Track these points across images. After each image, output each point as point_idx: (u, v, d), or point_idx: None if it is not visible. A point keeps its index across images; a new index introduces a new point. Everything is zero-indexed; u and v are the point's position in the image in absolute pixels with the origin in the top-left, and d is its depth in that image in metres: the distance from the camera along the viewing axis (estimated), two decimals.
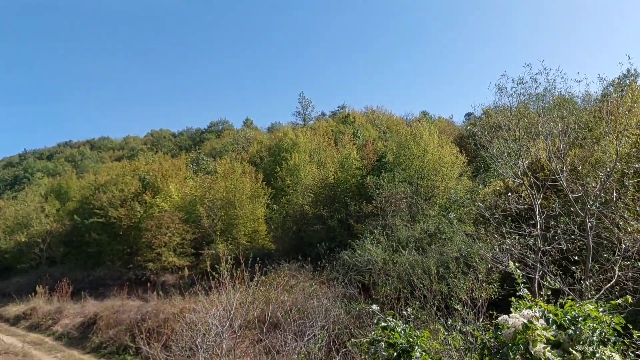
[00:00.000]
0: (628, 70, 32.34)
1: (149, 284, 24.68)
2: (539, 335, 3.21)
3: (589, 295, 8.04)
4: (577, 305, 3.51)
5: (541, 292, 8.08)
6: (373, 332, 3.69)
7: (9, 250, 38.78)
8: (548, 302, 3.87)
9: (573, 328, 3.32)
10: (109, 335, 20.19)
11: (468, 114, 68.17)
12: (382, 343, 3.57)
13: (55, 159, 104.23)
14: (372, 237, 19.17)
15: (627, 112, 11.02)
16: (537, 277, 8.95)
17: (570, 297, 7.55)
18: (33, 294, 27.19)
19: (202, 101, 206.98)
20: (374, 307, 3.83)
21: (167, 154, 52.36)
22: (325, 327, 9.04)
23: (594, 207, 9.50)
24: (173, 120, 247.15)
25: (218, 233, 27.66)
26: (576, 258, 9.45)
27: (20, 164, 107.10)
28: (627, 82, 21.22)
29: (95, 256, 32.84)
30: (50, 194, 47.10)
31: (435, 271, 9.02)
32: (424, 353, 3.52)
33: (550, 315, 3.49)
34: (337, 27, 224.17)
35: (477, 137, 13.71)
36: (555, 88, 11.64)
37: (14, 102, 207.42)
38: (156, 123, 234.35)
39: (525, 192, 11.92)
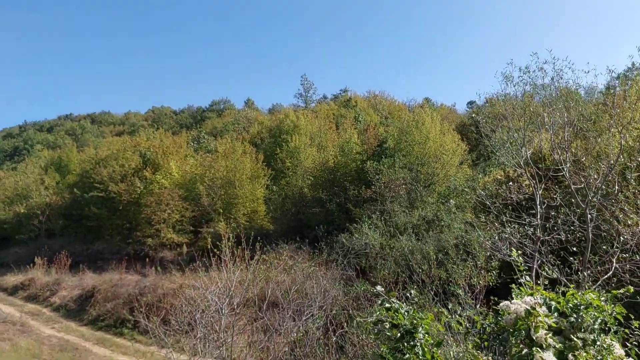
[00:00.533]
0: (633, 64, 32.17)
1: (147, 260, 24.86)
2: (541, 322, 3.28)
3: (586, 287, 8.13)
4: (579, 293, 3.57)
5: (539, 281, 8.17)
6: (377, 313, 3.76)
7: (8, 221, 38.87)
8: (545, 291, 3.93)
9: (575, 316, 3.39)
10: (107, 309, 20.39)
11: (470, 102, 67.91)
12: (387, 323, 3.63)
13: (56, 131, 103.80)
14: (370, 222, 19.28)
15: (632, 106, 11.00)
16: (535, 266, 9.03)
17: (569, 287, 7.66)
18: (31, 265, 27.32)
19: (203, 80, 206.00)
20: (379, 288, 3.89)
21: (168, 131, 52.28)
22: (324, 308, 9.17)
23: (595, 199, 9.54)
24: (174, 98, 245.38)
25: (219, 212, 27.75)
26: (575, 249, 9.53)
27: (20, 135, 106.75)
28: (632, 75, 21.11)
29: (95, 230, 32.99)
30: (50, 166, 47.08)
31: (435, 257, 9.10)
32: (426, 335, 3.59)
33: (552, 302, 3.56)
34: (342, 9, 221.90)
35: (480, 126, 13.69)
36: (562, 78, 11.57)
37: (16, 72, 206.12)
38: (157, 100, 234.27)
39: (527, 182, 11.96)
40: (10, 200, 40.70)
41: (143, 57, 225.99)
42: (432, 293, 7.86)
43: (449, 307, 4.66)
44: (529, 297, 3.64)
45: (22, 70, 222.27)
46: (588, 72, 11.36)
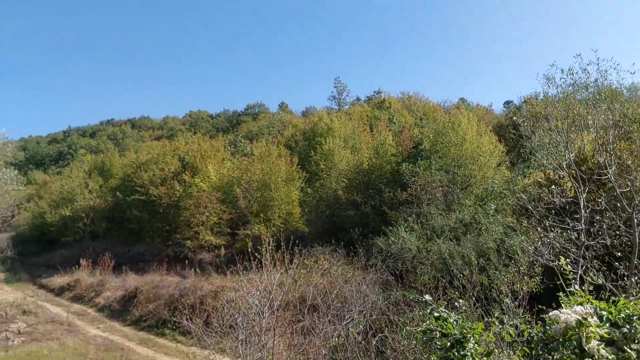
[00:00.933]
0: None
1: (186, 261, 25.44)
2: (592, 332, 3.26)
3: (634, 293, 7.92)
4: (632, 303, 3.51)
5: (583, 288, 7.99)
6: (427, 322, 3.80)
7: (55, 224, 40.41)
8: (590, 297, 3.88)
9: (628, 327, 3.34)
10: (149, 309, 20.97)
11: (507, 102, 66.53)
12: (436, 332, 3.68)
13: (98, 136, 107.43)
14: (406, 225, 19.16)
15: None
16: (580, 272, 8.84)
17: (615, 293, 7.47)
18: (77, 266, 28.39)
19: (239, 84, 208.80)
20: (427, 297, 3.93)
21: (205, 135, 53.24)
22: (363, 312, 9.22)
23: None
24: (210, 102, 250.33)
25: (255, 214, 28.14)
26: (620, 254, 9.28)
27: (65, 140, 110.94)
28: None
29: (136, 232, 34.03)
30: (94, 170, 48.69)
31: (476, 262, 9.01)
32: (476, 344, 3.61)
33: (604, 312, 3.52)
34: (375, 11, 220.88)
35: (519, 127, 13.45)
36: (606, 79, 11.27)
37: (60, 79, 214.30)
38: (194, 104, 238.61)
39: (569, 184, 11.68)
40: (56, 203, 42.32)
41: (180, 62, 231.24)
42: (474, 299, 7.80)
43: (495, 315, 4.64)
44: (579, 306, 3.61)
45: (66, 78, 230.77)
46: (634, 72, 11.00)
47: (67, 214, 39.25)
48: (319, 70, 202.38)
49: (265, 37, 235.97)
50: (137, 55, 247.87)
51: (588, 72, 11.18)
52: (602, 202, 10.11)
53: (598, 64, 10.99)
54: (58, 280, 28.78)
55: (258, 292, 9.56)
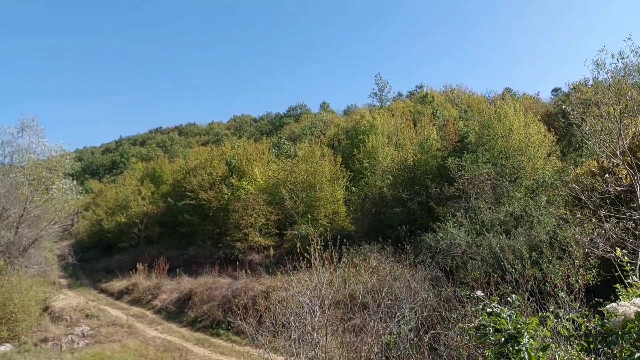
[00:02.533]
0: None
1: (237, 263, 26.03)
2: None
3: None
4: None
5: None
6: (480, 317, 3.81)
7: (111, 230, 42.21)
8: None
9: None
10: (203, 310, 21.62)
11: (555, 90, 64.06)
12: (490, 328, 3.68)
13: (148, 144, 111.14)
14: (454, 220, 18.91)
15: None
16: (638, 262, 8.51)
17: None
18: (134, 270, 29.49)
19: (280, 86, 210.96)
20: (479, 293, 3.94)
21: (250, 139, 54.18)
22: (414, 310, 9.22)
23: None
24: (254, 106, 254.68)
25: (301, 214, 28.47)
26: None
27: (117, 149, 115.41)
28: None
29: (188, 236, 35.15)
30: (146, 177, 50.45)
31: (528, 255, 8.83)
32: (531, 339, 3.60)
33: None
34: (413, 2, 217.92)
35: (569, 115, 13.02)
36: None
37: (110, 92, 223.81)
38: (238, 108, 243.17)
39: (624, 172, 11.23)
40: (112, 210, 44.22)
41: (223, 67, 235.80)
42: (527, 293, 7.66)
43: (551, 309, 4.57)
44: (638, 298, 3.54)
45: (116, 89, 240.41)
46: None
47: (123, 220, 40.88)
48: (359, 67, 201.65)
49: (304, 37, 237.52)
50: (182, 62, 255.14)
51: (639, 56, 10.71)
52: None
53: None
54: (117, 284, 30.04)
55: (308, 291, 9.71)
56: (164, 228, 38.55)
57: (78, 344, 18.76)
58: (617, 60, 11.04)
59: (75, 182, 27.88)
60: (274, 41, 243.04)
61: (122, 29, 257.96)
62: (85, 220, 47.97)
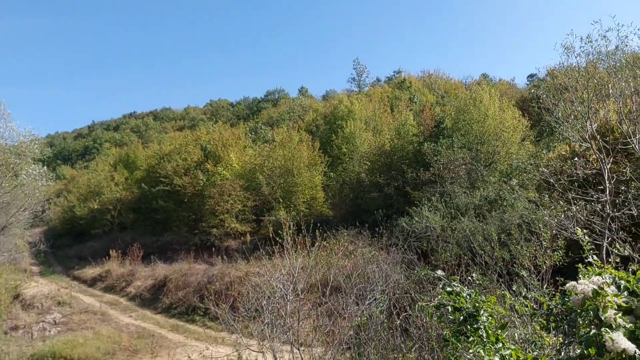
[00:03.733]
0: None
1: (213, 249, 25.84)
2: (609, 301, 3.21)
3: None
4: None
5: (609, 259, 7.85)
6: (439, 297, 3.80)
7: (84, 217, 41.45)
8: (617, 269, 3.81)
9: None
10: (178, 297, 21.44)
11: (531, 76, 64.80)
12: (449, 307, 3.68)
13: (122, 129, 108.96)
14: (429, 204, 19.08)
15: None
16: (605, 244, 8.67)
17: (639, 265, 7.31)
18: (107, 257, 29.06)
19: (258, 71, 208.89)
20: (440, 272, 3.93)
21: (227, 124, 53.54)
22: (386, 292, 9.26)
23: None
24: (231, 90, 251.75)
25: (279, 200, 28.36)
26: None
27: (90, 135, 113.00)
28: None
29: (163, 222, 34.69)
30: (119, 163, 49.56)
31: (497, 238, 8.93)
32: (490, 317, 3.61)
33: (622, 281, 3.46)
34: None
35: (541, 100, 13.13)
36: (627, 46, 10.89)
37: (82, 76, 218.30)
38: (214, 93, 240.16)
39: (593, 156, 11.40)
40: (84, 197, 43.38)
41: (199, 52, 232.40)
42: (496, 275, 7.75)
43: (514, 288, 4.61)
44: (597, 276, 3.56)
45: (88, 73, 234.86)
46: None
47: (95, 206, 40.15)
48: (338, 52, 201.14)
49: (282, 22, 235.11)
50: (156, 47, 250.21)
51: (608, 39, 10.82)
52: (628, 172, 9.86)
53: (618, 30, 10.62)
54: (90, 271, 29.57)
55: (281, 276, 9.67)
56: (138, 214, 37.97)
57: (50, 331, 18.43)
58: (586, 44, 11.12)
59: (46, 168, 27.07)
60: (252, 25, 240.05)
61: (94, 10, 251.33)
62: (57, 207, 46.99)
